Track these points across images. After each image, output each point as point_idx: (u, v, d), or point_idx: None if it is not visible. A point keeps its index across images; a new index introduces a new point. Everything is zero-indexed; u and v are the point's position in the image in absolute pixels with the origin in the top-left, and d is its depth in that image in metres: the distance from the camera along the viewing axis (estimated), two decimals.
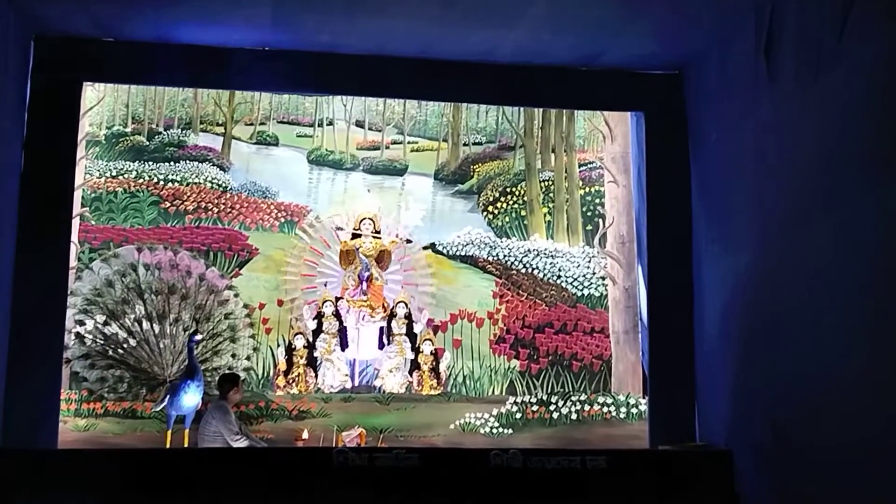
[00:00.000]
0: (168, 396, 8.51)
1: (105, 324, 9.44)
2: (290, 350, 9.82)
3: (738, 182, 7.72)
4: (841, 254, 5.98)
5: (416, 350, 9.98)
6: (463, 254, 10.66)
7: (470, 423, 9.65)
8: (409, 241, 10.37)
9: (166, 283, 9.67)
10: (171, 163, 10.49)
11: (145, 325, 9.51)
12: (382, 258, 10.27)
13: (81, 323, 9.38)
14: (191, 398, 8.42)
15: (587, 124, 11.03)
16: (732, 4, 7.42)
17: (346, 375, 9.87)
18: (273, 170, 10.79)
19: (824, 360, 6.11)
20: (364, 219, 10.24)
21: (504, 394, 10.08)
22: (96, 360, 9.36)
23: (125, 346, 9.43)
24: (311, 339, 9.86)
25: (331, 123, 11.09)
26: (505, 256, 10.67)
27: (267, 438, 8.92)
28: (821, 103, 6.29)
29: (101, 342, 9.40)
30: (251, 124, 10.95)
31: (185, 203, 10.29)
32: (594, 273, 10.58)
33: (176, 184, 10.37)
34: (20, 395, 7.63)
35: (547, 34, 8.14)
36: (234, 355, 9.74)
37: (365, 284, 10.07)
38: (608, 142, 10.63)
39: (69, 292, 8.74)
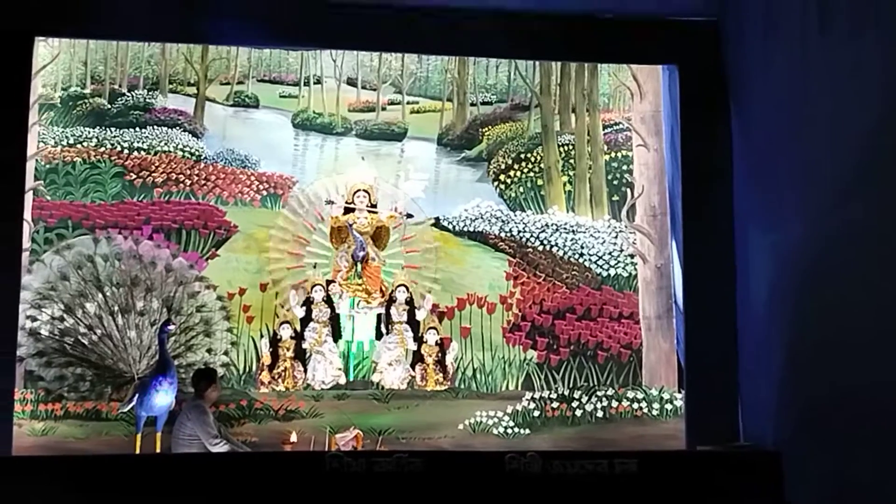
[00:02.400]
0: (137, 395, 8.51)
1: (61, 319, 9.43)
2: (275, 341, 9.82)
3: (785, 145, 7.67)
4: None
5: (419, 340, 9.99)
6: (471, 230, 10.65)
7: (481, 422, 9.66)
8: (409, 216, 10.35)
9: (128, 274, 9.64)
10: (137, 129, 10.47)
11: (106, 319, 9.50)
12: (379, 236, 10.26)
13: (34, 319, 9.37)
14: (163, 397, 8.42)
15: (612, 80, 10.99)
16: None
17: (340, 370, 9.88)
18: (253, 135, 10.77)
19: (890, 348, 6.07)
20: (358, 191, 10.21)
21: (520, 389, 10.09)
22: (53, 357, 9.37)
23: (85, 341, 9.43)
24: (298, 329, 9.86)
25: (318, 82, 11.06)
26: (519, 232, 10.65)
27: (250, 442, 8.93)
28: (882, 53, 6.23)
29: (57, 338, 9.39)
30: (227, 84, 10.93)
31: (153, 175, 10.27)
32: (621, 250, 10.57)
33: (142, 153, 10.35)
34: None
35: None
36: (209, 350, 9.75)
37: (360, 266, 10.05)
38: (636, 100, 10.59)
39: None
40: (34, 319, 9.37)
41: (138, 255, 9.73)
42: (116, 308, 9.54)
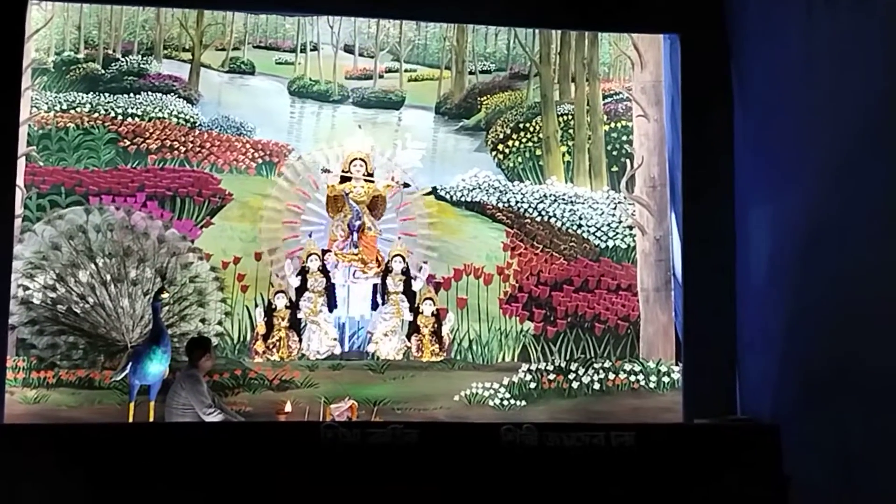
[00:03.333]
0: (130, 364, 8.51)
1: (53, 288, 9.41)
2: (269, 311, 9.81)
3: (788, 115, 7.66)
4: None
5: (415, 311, 9.98)
6: (469, 199, 10.62)
7: (477, 394, 9.67)
8: (406, 186, 10.31)
9: (120, 245, 9.61)
10: (131, 94, 10.41)
11: (99, 289, 9.48)
12: (376, 205, 10.23)
13: (25, 288, 9.34)
14: (156, 366, 8.43)
15: (613, 49, 10.94)
16: None
17: (335, 340, 9.87)
18: (249, 102, 10.72)
19: (891, 320, 6.06)
20: (354, 159, 10.17)
21: (516, 360, 10.09)
22: (45, 325, 9.35)
23: (77, 310, 9.41)
24: (294, 299, 9.85)
25: (315, 48, 11.00)
26: (517, 203, 10.62)
27: (244, 412, 8.95)
28: (888, 22, 6.20)
29: (49, 306, 9.37)
30: (223, 49, 10.86)
31: (148, 141, 10.22)
32: (620, 222, 10.55)
33: (136, 119, 10.30)
34: None
35: None
36: (203, 320, 9.73)
37: (356, 235, 10.04)
38: (637, 69, 10.55)
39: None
40: (26, 289, 9.34)
41: (130, 226, 9.69)
42: (109, 278, 9.51)
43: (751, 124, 8.44)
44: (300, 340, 9.78)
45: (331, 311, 9.92)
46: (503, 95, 11.04)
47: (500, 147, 10.83)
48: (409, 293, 9.99)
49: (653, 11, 8.97)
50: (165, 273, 9.53)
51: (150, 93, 10.44)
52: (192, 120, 10.43)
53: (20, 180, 9.25)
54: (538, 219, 10.58)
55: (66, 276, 9.46)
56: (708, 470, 6.79)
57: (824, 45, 7.01)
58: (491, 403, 9.65)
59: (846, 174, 6.64)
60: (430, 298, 10.01)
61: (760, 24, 8.19)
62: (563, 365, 9.98)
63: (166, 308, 9.26)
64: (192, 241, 9.89)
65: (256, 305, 9.88)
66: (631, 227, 10.49)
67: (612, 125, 10.86)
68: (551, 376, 9.86)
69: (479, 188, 10.66)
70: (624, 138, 10.74)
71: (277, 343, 9.71)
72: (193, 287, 9.75)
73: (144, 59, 10.57)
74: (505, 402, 9.67)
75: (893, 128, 6.10)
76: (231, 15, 10.79)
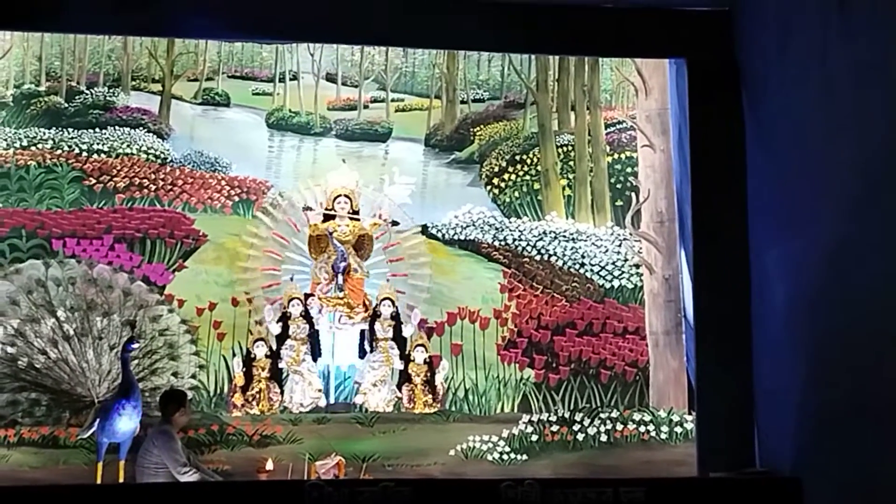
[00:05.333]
0: (98, 420, 8.48)
1: (11, 343, 9.42)
2: (248, 360, 9.81)
3: (804, 144, 7.69)
4: None
5: (406, 358, 9.98)
6: (462, 238, 10.68)
7: (474, 447, 9.65)
8: (394, 224, 10.37)
9: (83, 298, 9.63)
10: (97, 129, 10.50)
11: (61, 344, 9.49)
12: (362, 245, 10.27)
13: None
14: (126, 422, 8.40)
15: (615, 75, 11.04)
16: None
17: (320, 391, 9.88)
18: (224, 136, 10.81)
19: None
20: (338, 196, 10.21)
21: (516, 411, 10.11)
22: (4, 382, 9.36)
23: (39, 366, 9.42)
24: (274, 347, 9.85)
25: (295, 78, 11.10)
26: (515, 241, 10.69)
27: (222, 470, 8.92)
28: None
29: (9, 362, 9.37)
30: (195, 80, 10.96)
31: (115, 179, 10.29)
32: (626, 260, 10.60)
33: (103, 155, 10.38)
34: None
35: None
36: (175, 374, 9.75)
37: (341, 278, 10.06)
38: (641, 96, 10.63)
39: None
40: None
41: (93, 279, 9.71)
42: (72, 332, 9.54)
43: (764, 154, 8.48)
44: (282, 392, 9.78)
45: (315, 359, 9.93)
46: (498, 126, 11.13)
47: (496, 181, 10.90)
48: (399, 339, 10.00)
49: (657, 34, 9.02)
50: (134, 322, 9.53)
51: (117, 127, 10.52)
52: (162, 156, 10.49)
53: None
54: (537, 258, 10.63)
55: (26, 331, 9.47)
56: None
57: (841, 68, 7.05)
58: (489, 458, 9.63)
59: (868, 209, 6.66)
60: (422, 345, 10.01)
61: (773, 46, 8.25)
62: (566, 415, 9.97)
63: (135, 362, 9.23)
64: (163, 287, 9.91)
65: (234, 355, 9.90)
66: (638, 266, 10.54)
67: (616, 156, 10.94)
68: (554, 428, 9.84)
69: (474, 225, 10.72)
70: (628, 170, 10.81)
71: (257, 395, 9.71)
72: (163, 340, 9.77)
73: (111, 91, 10.67)
74: (504, 457, 9.65)
75: None
76: (204, 43, 10.89)
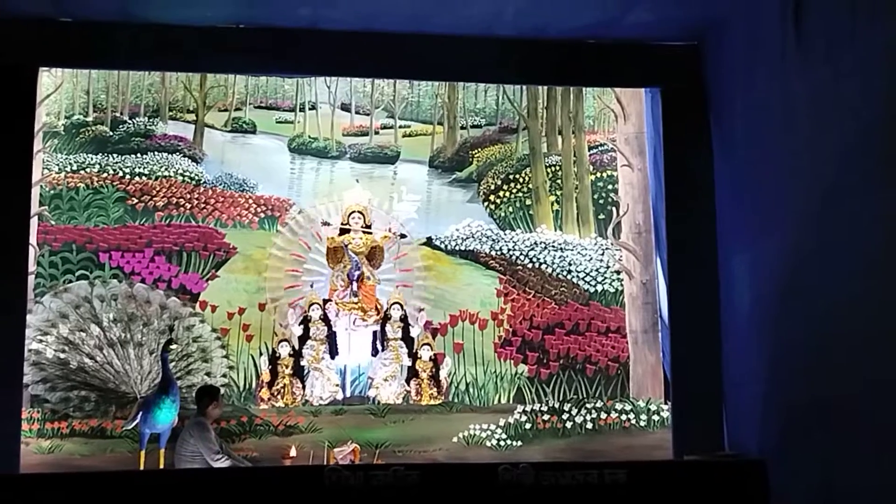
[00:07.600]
0: (140, 413, 8.46)
1: (62, 351, 9.42)
2: (273, 359, 9.77)
3: (767, 161, 7.67)
4: (887, 236, 5.89)
5: (414, 356, 9.94)
6: (463, 248, 10.64)
7: (475, 435, 9.60)
8: (402, 236, 10.34)
9: (125, 312, 9.63)
10: (138, 154, 10.46)
11: (106, 350, 9.48)
12: (374, 255, 10.24)
13: (37, 352, 9.34)
14: (165, 414, 8.37)
15: (597, 102, 11.00)
16: None
17: (337, 386, 9.83)
18: (251, 160, 10.77)
19: (874, 357, 6.03)
20: (353, 212, 10.19)
21: (511, 402, 10.05)
22: (57, 382, 9.35)
23: (87, 369, 9.40)
24: (296, 347, 9.81)
25: (313, 107, 11.07)
26: (509, 250, 10.64)
27: (251, 457, 8.88)
28: (857, 70, 6.23)
29: (60, 366, 9.36)
30: (225, 110, 10.92)
31: (155, 199, 10.26)
32: (608, 267, 10.55)
33: (143, 178, 10.34)
34: None
35: (550, 4, 8.11)
36: (208, 374, 9.71)
37: (355, 285, 10.03)
38: (621, 121, 10.60)
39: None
40: (37, 353, 9.33)
41: (133, 296, 9.71)
42: (115, 339, 9.52)
43: (731, 172, 8.46)
44: (303, 387, 9.74)
45: (332, 358, 9.89)
46: (493, 148, 11.09)
47: (492, 197, 10.87)
48: (407, 339, 9.97)
49: (634, 66, 9.01)
50: (173, 326, 9.53)
51: (156, 153, 10.48)
52: (197, 178, 10.46)
53: (33, 239, 9.27)
54: (529, 265, 10.59)
55: (75, 339, 9.46)
56: None
57: (799, 95, 7.04)
58: (488, 444, 9.59)
59: (823, 218, 6.65)
60: (428, 344, 9.98)
61: (738, 76, 8.23)
62: (556, 406, 9.93)
63: (172, 364, 9.18)
64: (198, 295, 9.91)
65: (261, 354, 9.86)
66: (618, 272, 10.50)
67: (598, 175, 10.90)
68: (545, 417, 9.80)
69: (473, 237, 10.68)
70: (610, 187, 10.77)
71: (282, 390, 9.67)
72: (196, 346, 9.75)
73: (151, 120, 10.63)
74: (502, 443, 9.60)
75: (867, 173, 6.12)
76: (233, 77, 10.87)
